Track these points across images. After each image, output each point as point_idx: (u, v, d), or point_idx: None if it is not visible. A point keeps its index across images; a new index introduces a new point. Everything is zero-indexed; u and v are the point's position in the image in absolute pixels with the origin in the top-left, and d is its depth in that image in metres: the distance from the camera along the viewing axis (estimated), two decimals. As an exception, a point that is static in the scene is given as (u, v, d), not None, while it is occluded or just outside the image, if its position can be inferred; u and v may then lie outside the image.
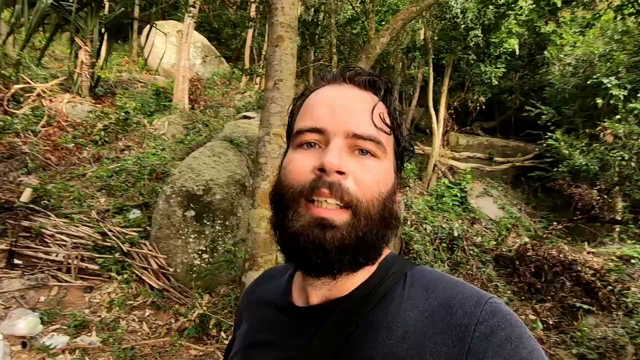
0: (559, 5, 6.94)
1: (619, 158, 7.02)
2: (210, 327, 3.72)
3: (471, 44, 7.59)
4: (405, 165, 0.61)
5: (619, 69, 7.46)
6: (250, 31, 14.58)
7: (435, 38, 9.19)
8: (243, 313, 0.69)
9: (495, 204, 8.45)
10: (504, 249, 6.36)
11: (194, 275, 4.54)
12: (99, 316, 3.58)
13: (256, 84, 13.02)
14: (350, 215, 0.49)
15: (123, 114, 8.18)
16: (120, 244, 4.30)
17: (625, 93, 7.16)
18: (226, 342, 3.81)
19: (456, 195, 8.09)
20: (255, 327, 0.63)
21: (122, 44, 14.21)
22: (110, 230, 4.51)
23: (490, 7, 5.55)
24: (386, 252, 0.58)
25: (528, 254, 5.72)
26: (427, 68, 9.61)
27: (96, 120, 7.81)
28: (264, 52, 14.34)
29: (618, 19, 5.47)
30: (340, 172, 0.49)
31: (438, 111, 9.54)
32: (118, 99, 9.07)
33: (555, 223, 6.73)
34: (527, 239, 6.74)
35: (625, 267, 5.59)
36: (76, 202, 5.11)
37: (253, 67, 11.33)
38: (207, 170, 5.07)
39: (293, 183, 0.51)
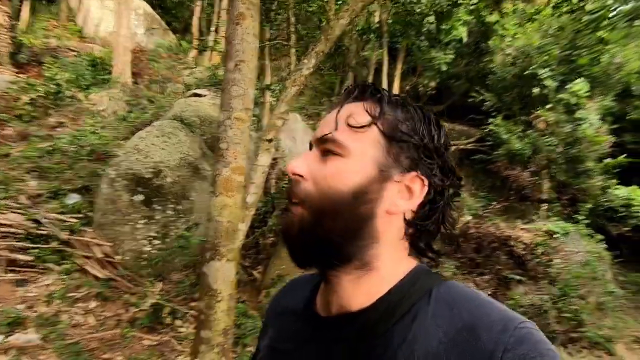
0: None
1: (548, 143, 7.74)
2: (164, 315, 3.60)
3: (424, 30, 7.77)
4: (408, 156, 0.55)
5: (552, 62, 8.12)
6: (198, 5, 13.62)
7: (390, 22, 9.27)
8: (268, 324, 0.70)
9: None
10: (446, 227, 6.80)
11: (144, 263, 4.32)
12: (36, 311, 3.28)
13: (210, 59, 12.29)
14: (302, 209, 0.53)
15: (54, 86, 7.32)
16: (58, 232, 3.93)
17: (556, 84, 7.85)
18: (182, 329, 3.72)
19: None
20: (278, 336, 0.64)
21: (48, 4, 12.54)
22: (45, 217, 4.10)
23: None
24: (413, 263, 0.56)
25: (470, 231, 6.19)
26: (381, 51, 9.71)
27: (20, 93, 6.91)
28: (214, 25, 13.52)
29: (555, 15, 5.92)
30: (299, 175, 0.54)
31: (391, 95, 9.74)
32: (46, 69, 8.08)
33: (494, 202, 7.33)
34: (469, 217, 7.28)
35: (550, 241, 6.29)
36: (1, 186, 4.55)
37: (205, 41, 10.66)
38: (156, 151, 4.76)
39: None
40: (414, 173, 0.54)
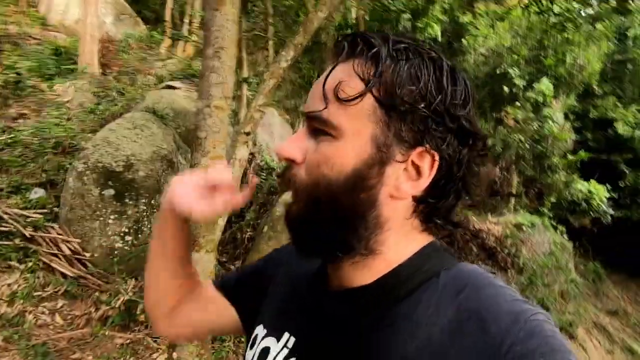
0: (476, -2, 7.52)
1: (517, 140, 8.07)
2: (138, 313, 3.49)
3: (400, 27, 7.87)
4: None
5: (521, 62, 8.46)
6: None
7: (367, 18, 9.33)
8: (275, 271, 0.67)
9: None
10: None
11: (115, 260, 4.16)
12: (-2, 312, 3.10)
13: (184, 50, 11.92)
14: (296, 196, 0.50)
15: (14, 74, 6.88)
16: (21, 228, 3.72)
17: (524, 83, 8.18)
18: (156, 327, 3.62)
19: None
20: (283, 291, 0.63)
21: (7, -12, 11.75)
22: (6, 213, 3.87)
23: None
24: (425, 240, 0.51)
25: (444, 225, 6.36)
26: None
27: (-24, 82, 6.46)
28: (188, 16, 13.13)
29: (524, 16, 6.16)
30: (292, 160, 0.50)
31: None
32: (5, 57, 7.58)
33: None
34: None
35: (518, 233, 6.58)
36: (-45, 180, 4.25)
37: (179, 32, 10.32)
38: (128, 144, 4.58)
39: None
40: (420, 148, 0.47)
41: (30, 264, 3.55)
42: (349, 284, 0.51)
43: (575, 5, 5.07)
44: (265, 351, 0.56)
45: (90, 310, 3.46)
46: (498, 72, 8.55)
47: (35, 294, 3.39)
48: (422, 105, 0.45)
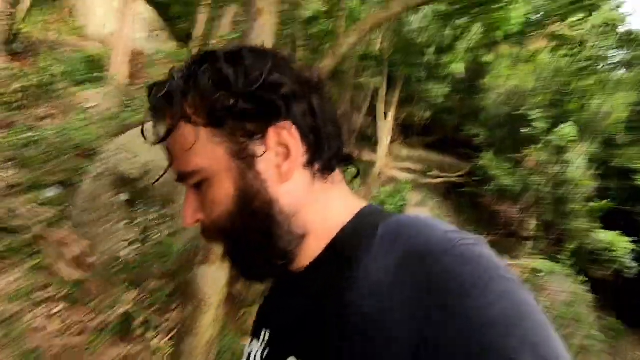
0: (499, 40, 7.61)
1: (537, 182, 7.89)
2: (137, 325, 3.35)
3: (424, 61, 7.99)
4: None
5: (543, 104, 8.42)
6: (204, 13, 13.79)
7: (391, 51, 9.52)
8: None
9: (431, 215, 8.99)
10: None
11: (119, 267, 4.07)
12: (-4, 309, 3.01)
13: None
14: (219, 237, 0.53)
15: (48, 77, 7.13)
16: (31, 226, 3.69)
17: (547, 126, 8.10)
18: (154, 342, 3.46)
19: (397, 204, 8.43)
20: (262, 305, 0.66)
21: (52, -1, 12.47)
22: (19, 209, 3.85)
23: (448, 29, 5.90)
24: (360, 205, 0.53)
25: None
26: (380, 78, 9.91)
27: (12, 80, 6.69)
28: (218, 36, 13.64)
29: (551, 58, 6.18)
30: (196, 222, 0.52)
31: (386, 122, 9.89)
32: (42, 60, 7.90)
33: (483, 237, 7.32)
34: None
35: (535, 279, 6.27)
36: (-25, 172, 4.30)
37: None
38: (146, 152, 4.60)
39: None
40: (269, 132, 0.48)
41: (35, 262, 3.48)
42: (298, 266, 0.53)
43: (603, 49, 5.04)
44: (249, 354, 0.59)
45: (88, 317, 3.34)
46: (518, 113, 8.51)
47: (36, 294, 3.29)
48: (234, 101, 0.47)
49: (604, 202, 7.88)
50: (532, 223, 8.18)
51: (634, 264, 7.20)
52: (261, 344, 0.57)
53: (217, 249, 1.83)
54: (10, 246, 3.49)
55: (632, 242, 7.29)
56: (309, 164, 0.50)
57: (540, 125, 8.17)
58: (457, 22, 5.16)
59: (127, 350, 3.14)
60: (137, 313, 3.45)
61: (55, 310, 3.28)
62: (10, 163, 4.80)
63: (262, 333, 0.58)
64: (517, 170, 8.18)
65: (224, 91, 0.47)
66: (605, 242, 7.37)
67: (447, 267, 0.40)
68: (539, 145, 8.20)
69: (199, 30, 13.80)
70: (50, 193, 4.34)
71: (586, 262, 7.51)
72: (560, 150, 7.95)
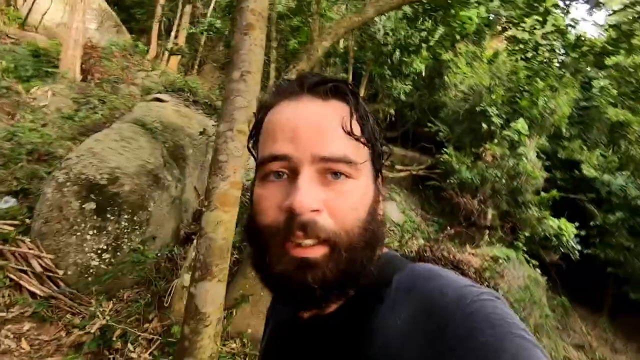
0: (458, 39, 7.98)
1: (494, 175, 8.44)
2: (115, 339, 3.23)
3: (389, 60, 8.20)
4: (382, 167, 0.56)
5: (499, 102, 8.98)
6: (160, 3, 13.15)
7: (356, 49, 9.66)
8: (268, 321, 0.71)
9: (398, 208, 9.32)
10: (405, 250, 7.04)
11: (90, 279, 3.87)
12: (-45, 334, 2.77)
13: (167, 63, 11.75)
14: (329, 249, 0.47)
15: (-12, 74, 6.49)
16: (-12, 241, 3.40)
17: (502, 122, 8.66)
18: (133, 354, 3.36)
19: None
20: (270, 335, 0.66)
21: (-15, -15, 11.29)
22: (-28, 223, 3.54)
23: (416, 33, 6.12)
24: (380, 252, 0.54)
25: (426, 254, 6.43)
26: (345, 75, 10.03)
27: (-54, 78, 6.02)
28: (175, 30, 13.07)
29: (507, 59, 6.63)
30: (315, 211, 0.46)
31: (353, 118, 10.02)
32: (-20, 54, 7.17)
33: (448, 228, 7.73)
34: (422, 241, 7.59)
35: (495, 266, 6.74)
36: None
37: (175, 45, 10.21)
38: (114, 156, 4.38)
39: (266, 223, 0.48)
40: (380, 177, 0.55)
41: (-4, 281, 3.23)
42: (320, 312, 0.52)
43: (547, 54, 5.49)
44: None
45: (60, 334, 3.17)
46: (478, 109, 9.02)
47: (0, 315, 3.07)
48: (377, 140, 0.53)
49: (552, 192, 8.60)
50: (490, 213, 8.75)
51: (579, 247, 7.96)
52: None
53: (218, 264, 1.82)
54: (-35, 265, 3.21)
55: (576, 228, 8.05)
56: None
57: (497, 120, 8.72)
58: (423, 24, 5.37)
59: (107, 366, 3.03)
60: (113, 326, 3.32)
61: (23, 330, 3.08)
62: (-46, 171, 4.37)
63: None
64: (477, 164, 8.69)
65: (378, 128, 0.53)
66: (554, 228, 8.06)
67: (461, 325, 0.40)
68: (495, 140, 8.76)
69: (155, 23, 13.14)
70: (6, 204, 4.01)
71: (538, 247, 8.19)
72: (514, 144, 8.56)
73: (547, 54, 4.88)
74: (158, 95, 6.80)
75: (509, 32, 5.14)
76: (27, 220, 3.96)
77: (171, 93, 7.48)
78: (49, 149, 5.27)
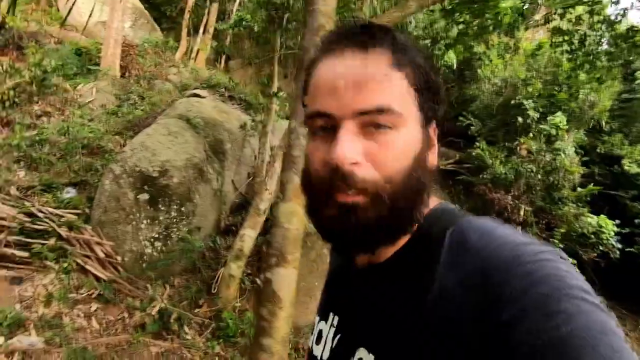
0: (491, 30, 7.79)
1: (529, 170, 8.23)
2: (172, 322, 3.44)
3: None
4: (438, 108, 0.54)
5: (535, 94, 8.72)
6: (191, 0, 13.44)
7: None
8: (330, 272, 0.74)
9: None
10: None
11: (143, 265, 4.12)
12: (36, 312, 3.03)
13: (194, 61, 12.03)
14: (372, 197, 0.48)
15: (40, 72, 6.89)
16: (57, 228, 3.68)
17: (538, 115, 8.42)
18: (188, 337, 3.57)
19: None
20: (331, 278, 0.70)
21: (30, -13, 11.88)
22: (41, 211, 3.83)
23: (455, 25, 6.04)
24: (433, 203, 0.54)
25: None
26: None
27: (4, 77, 6.44)
28: (202, 25, 13.32)
29: (549, 51, 6.44)
30: (355, 163, 0.47)
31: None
32: (31, 54, 7.60)
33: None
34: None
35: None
36: (-13, 175, 4.21)
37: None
38: (163, 150, 4.61)
39: (315, 175, 0.51)
40: (433, 123, 0.54)
41: (65, 264, 3.50)
42: (374, 260, 0.55)
43: (594, 46, 5.29)
44: (320, 333, 0.63)
45: (123, 315, 3.40)
46: (512, 102, 8.79)
47: (70, 295, 3.33)
48: (429, 85, 0.51)
49: (591, 186, 8.31)
50: (524, 209, 8.56)
51: (619, 245, 7.67)
52: (330, 326, 0.60)
53: (293, 253, 1.94)
54: (37, 251, 3.49)
55: (616, 225, 7.76)
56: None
57: (533, 114, 8.48)
58: (461, 16, 5.30)
59: (167, 345, 3.23)
60: (170, 309, 3.54)
61: (92, 310, 3.33)
62: (17, 165, 4.70)
63: (331, 317, 0.61)
64: (510, 158, 8.50)
65: (432, 71, 0.52)
66: (593, 225, 7.80)
67: (515, 286, 0.39)
68: (531, 134, 8.53)
69: (185, 19, 13.45)
70: (68, 194, 4.30)
71: (575, 245, 7.96)
72: (551, 138, 8.31)
73: (593, 46, 4.72)
74: (196, 91, 7.02)
75: (553, 23, 5.00)
76: (87, 210, 4.24)
77: (207, 89, 7.70)
78: (99, 143, 5.57)
